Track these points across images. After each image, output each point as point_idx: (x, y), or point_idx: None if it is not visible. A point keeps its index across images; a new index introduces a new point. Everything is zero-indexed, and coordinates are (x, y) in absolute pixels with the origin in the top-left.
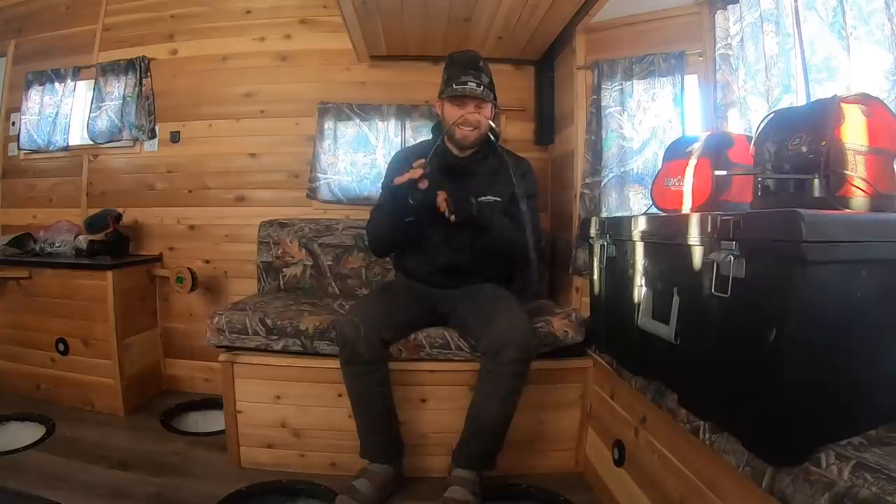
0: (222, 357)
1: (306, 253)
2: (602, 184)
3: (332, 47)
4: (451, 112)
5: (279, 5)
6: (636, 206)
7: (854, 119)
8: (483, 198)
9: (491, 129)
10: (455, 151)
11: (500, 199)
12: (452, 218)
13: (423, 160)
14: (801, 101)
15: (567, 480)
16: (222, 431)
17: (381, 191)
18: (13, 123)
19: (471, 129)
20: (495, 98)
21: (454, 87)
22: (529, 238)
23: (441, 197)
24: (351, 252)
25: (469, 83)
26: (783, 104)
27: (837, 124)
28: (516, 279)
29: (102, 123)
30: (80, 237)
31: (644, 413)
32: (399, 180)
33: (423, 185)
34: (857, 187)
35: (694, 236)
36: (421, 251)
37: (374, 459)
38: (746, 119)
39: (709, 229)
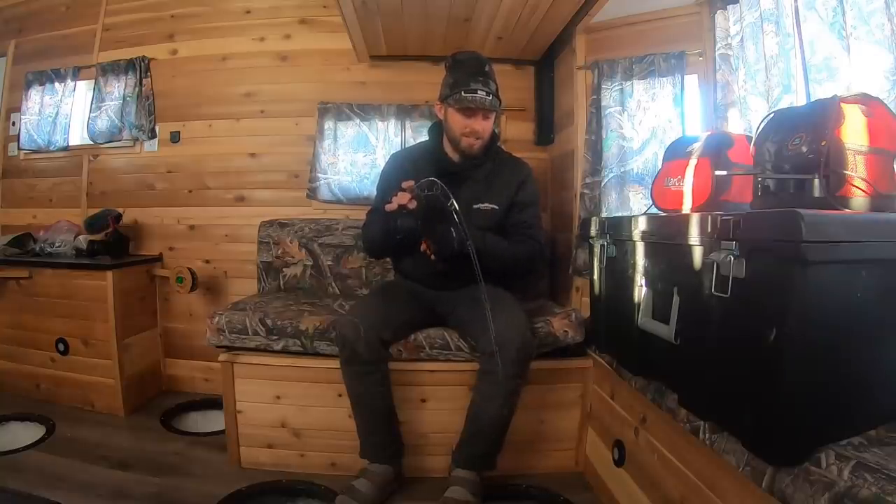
0: (222, 357)
1: (306, 253)
2: (602, 184)
3: (332, 47)
4: (458, 121)
5: (279, 5)
6: (636, 206)
7: (854, 119)
8: (480, 205)
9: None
10: (453, 157)
11: (497, 207)
12: (433, 258)
13: (411, 182)
14: (801, 101)
15: (567, 480)
16: (222, 431)
17: (376, 193)
18: (13, 123)
19: (478, 139)
20: (500, 103)
21: (463, 94)
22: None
23: (423, 245)
24: (351, 252)
25: (479, 91)
26: (783, 104)
27: (837, 124)
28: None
29: (102, 123)
30: (80, 237)
31: (644, 413)
32: (389, 208)
33: (412, 205)
34: (857, 187)
35: (694, 236)
36: (417, 254)
37: (374, 459)
38: (746, 119)
39: (709, 229)
